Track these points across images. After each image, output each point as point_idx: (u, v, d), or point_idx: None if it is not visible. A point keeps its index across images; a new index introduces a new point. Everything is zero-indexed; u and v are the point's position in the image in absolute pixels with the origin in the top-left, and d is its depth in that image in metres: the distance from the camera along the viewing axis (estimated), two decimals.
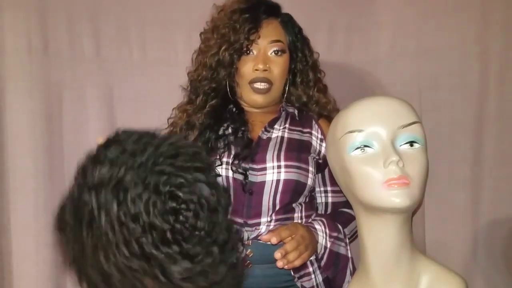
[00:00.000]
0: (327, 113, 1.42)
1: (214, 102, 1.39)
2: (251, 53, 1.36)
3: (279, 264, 1.17)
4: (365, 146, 1.02)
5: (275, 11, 1.40)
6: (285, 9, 1.44)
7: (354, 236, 1.38)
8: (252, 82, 1.35)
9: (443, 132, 1.58)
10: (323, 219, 1.32)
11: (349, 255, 1.32)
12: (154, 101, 1.61)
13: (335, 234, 1.30)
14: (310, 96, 1.43)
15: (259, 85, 1.35)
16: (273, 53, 1.36)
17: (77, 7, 1.60)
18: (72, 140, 1.59)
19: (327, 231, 1.29)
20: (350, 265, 1.31)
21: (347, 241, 1.33)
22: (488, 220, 1.55)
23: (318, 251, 1.27)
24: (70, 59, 1.60)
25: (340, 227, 1.32)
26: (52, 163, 1.58)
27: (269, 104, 1.39)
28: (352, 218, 1.36)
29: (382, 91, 1.61)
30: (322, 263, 1.28)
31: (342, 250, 1.31)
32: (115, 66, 1.62)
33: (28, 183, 1.56)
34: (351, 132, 1.04)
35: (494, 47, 1.56)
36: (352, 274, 1.30)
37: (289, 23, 1.40)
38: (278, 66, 1.36)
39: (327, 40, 1.68)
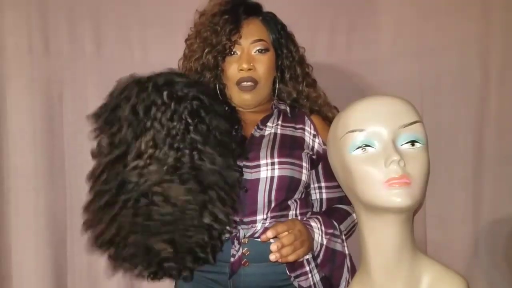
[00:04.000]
0: (318, 107, 1.43)
1: None
2: (234, 54, 1.36)
3: (272, 257, 1.14)
4: (366, 145, 1.02)
5: (255, 11, 1.40)
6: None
7: (350, 232, 1.38)
8: (238, 82, 1.35)
9: (444, 132, 1.59)
10: (319, 217, 1.30)
11: (346, 252, 1.30)
12: None
13: (330, 231, 1.28)
14: (300, 91, 1.43)
15: (245, 84, 1.35)
16: (256, 52, 1.36)
17: (77, 7, 1.61)
18: (72, 139, 1.59)
19: (323, 228, 1.28)
20: (347, 261, 1.30)
21: (343, 237, 1.31)
22: (488, 219, 1.55)
23: (314, 249, 1.26)
24: (70, 58, 1.60)
25: (335, 223, 1.31)
26: (53, 162, 1.58)
27: (258, 102, 1.39)
28: (347, 214, 1.36)
29: (383, 90, 1.61)
30: (319, 260, 1.27)
31: (338, 247, 1.29)
32: (116, 65, 1.62)
33: (28, 182, 1.56)
34: (352, 131, 1.03)
35: (494, 47, 1.56)
36: (349, 271, 1.29)
37: (271, 21, 1.40)
38: (262, 65, 1.35)
39: (328, 40, 1.68)
